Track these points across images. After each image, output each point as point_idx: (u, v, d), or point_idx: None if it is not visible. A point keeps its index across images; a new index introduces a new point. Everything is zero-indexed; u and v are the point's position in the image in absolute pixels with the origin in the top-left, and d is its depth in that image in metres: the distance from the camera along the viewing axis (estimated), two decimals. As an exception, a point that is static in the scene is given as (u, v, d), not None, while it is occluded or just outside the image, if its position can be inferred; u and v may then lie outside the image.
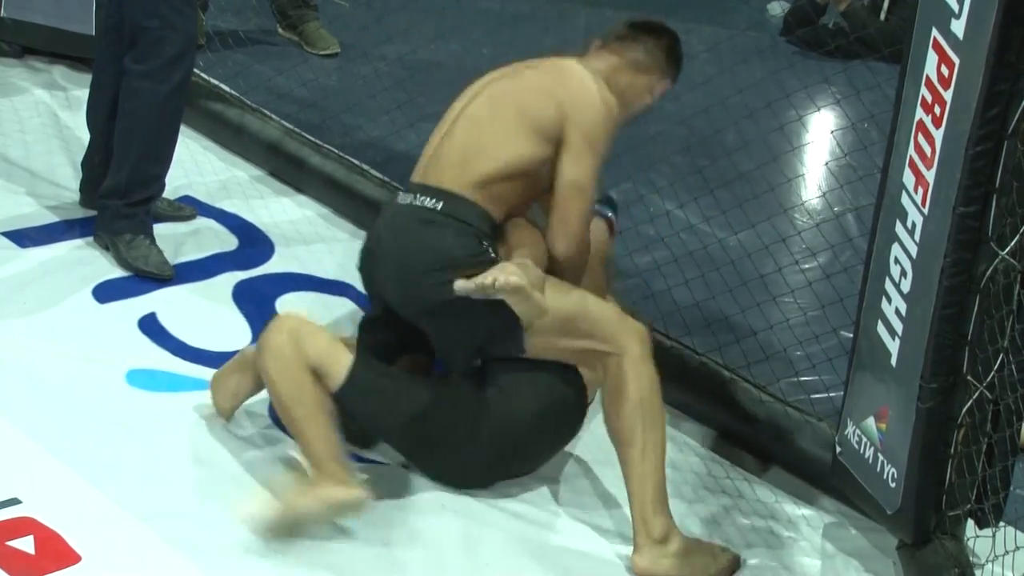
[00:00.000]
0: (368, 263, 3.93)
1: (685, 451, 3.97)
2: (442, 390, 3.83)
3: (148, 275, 4.57)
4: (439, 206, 3.78)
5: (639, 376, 3.70)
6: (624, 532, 3.70)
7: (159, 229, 4.71)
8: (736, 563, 3.68)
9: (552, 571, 3.59)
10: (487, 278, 3.59)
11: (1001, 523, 3.52)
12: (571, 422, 3.92)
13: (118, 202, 4.59)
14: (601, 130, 3.85)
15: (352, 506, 3.59)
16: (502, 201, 3.85)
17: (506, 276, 3.60)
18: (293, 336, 3.68)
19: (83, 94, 4.87)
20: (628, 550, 3.64)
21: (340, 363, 3.68)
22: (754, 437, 4.12)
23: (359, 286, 4.58)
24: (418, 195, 3.83)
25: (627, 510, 3.67)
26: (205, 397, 3.95)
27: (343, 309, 4.53)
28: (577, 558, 3.65)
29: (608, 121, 3.87)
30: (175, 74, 4.53)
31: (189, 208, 4.93)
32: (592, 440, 4.00)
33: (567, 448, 3.97)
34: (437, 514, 3.72)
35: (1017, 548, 3.35)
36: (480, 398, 3.80)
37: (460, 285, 3.62)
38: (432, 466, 3.85)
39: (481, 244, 3.76)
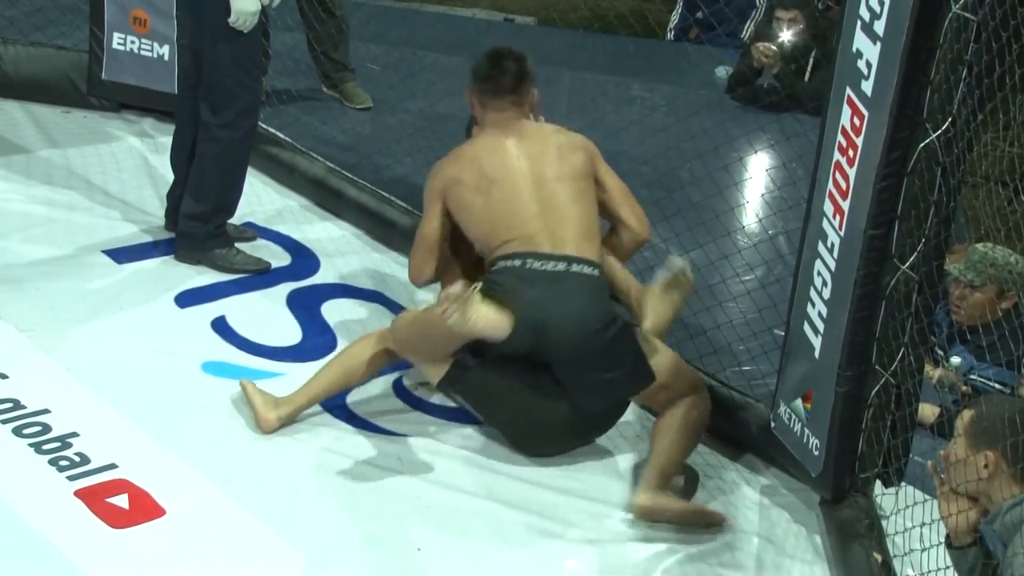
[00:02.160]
0: (538, 322, 3.67)
1: (649, 424, 3.94)
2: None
3: (254, 272, 4.58)
4: (596, 272, 3.81)
5: (696, 405, 3.80)
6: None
7: (229, 249, 4.69)
8: (719, 518, 3.66)
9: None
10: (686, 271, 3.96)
11: (902, 483, 3.52)
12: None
13: (204, 227, 4.57)
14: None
15: (257, 419, 3.77)
16: None
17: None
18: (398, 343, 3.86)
19: (167, 140, 4.83)
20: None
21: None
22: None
23: (388, 294, 4.59)
24: (572, 264, 3.76)
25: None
26: (265, 384, 3.91)
27: (376, 311, 4.49)
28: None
29: None
30: (245, 122, 4.50)
31: (251, 231, 4.89)
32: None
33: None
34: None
35: (915, 503, 3.33)
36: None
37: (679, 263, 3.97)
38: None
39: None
